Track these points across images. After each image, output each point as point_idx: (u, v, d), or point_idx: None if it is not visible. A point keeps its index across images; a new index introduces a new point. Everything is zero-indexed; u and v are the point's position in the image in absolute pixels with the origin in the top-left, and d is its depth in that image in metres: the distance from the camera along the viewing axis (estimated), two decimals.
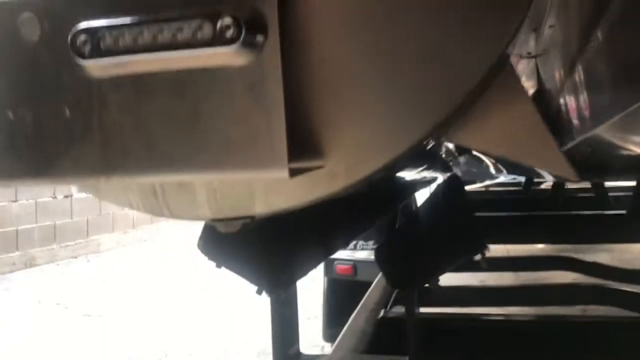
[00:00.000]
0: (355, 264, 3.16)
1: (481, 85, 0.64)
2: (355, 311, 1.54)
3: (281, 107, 0.63)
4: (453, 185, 1.51)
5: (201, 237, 0.98)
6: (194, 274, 7.27)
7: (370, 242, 3.28)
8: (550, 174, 0.76)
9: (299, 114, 0.67)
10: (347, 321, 1.97)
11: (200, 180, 0.77)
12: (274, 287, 0.98)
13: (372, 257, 3.28)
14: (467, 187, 4.78)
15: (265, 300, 1.02)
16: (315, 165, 0.69)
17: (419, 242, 0.94)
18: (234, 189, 0.78)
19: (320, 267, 3.43)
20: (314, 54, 0.66)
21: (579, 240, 4.56)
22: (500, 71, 0.71)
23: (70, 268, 8.14)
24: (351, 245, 3.28)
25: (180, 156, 0.66)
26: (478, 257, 0.99)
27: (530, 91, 2.68)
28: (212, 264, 1.02)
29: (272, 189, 0.78)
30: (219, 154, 0.65)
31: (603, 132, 1.32)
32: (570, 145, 1.84)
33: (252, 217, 0.80)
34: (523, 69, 3.05)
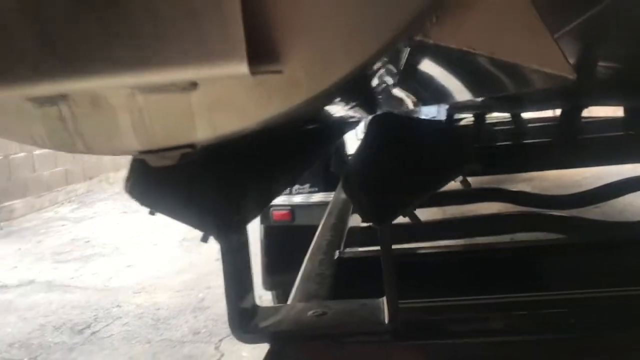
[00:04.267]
0: (293, 209, 3.04)
1: None
2: (307, 256, 1.41)
3: None
4: (390, 120, 1.39)
5: (129, 177, 0.79)
6: (124, 229, 6.99)
7: (306, 186, 3.17)
8: (545, 71, 0.65)
9: (251, 4, 0.50)
10: (287, 268, 1.85)
11: (121, 98, 0.58)
12: (224, 231, 0.82)
13: (310, 200, 3.24)
14: None
15: None
16: (273, 69, 0.53)
17: (394, 168, 0.80)
18: (168, 108, 0.59)
19: None
20: None
21: (504, 170, 4.67)
22: None
23: None
24: (286, 190, 3.15)
25: (92, 50, 0.48)
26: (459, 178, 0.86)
27: None
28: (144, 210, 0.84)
29: (218, 105, 0.59)
30: (146, 44, 0.47)
31: None
32: None
33: (192, 146, 0.61)
34: None
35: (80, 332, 4.08)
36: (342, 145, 4.31)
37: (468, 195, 4.11)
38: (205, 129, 0.58)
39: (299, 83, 0.55)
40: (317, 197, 3.15)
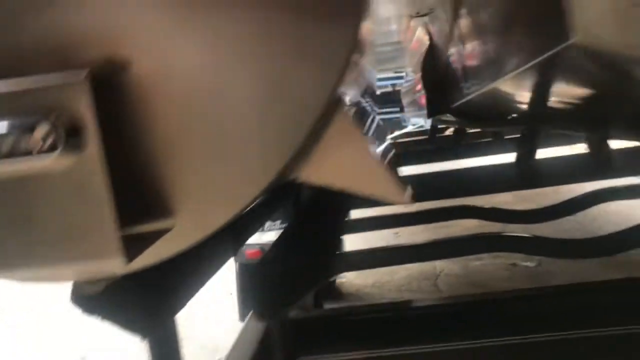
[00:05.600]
0: (263, 248, 3.17)
1: (318, 127, 0.70)
2: (247, 318, 1.57)
3: (110, 204, 0.66)
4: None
5: (72, 292, 1.00)
6: None
7: (278, 222, 3.26)
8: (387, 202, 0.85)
9: (138, 186, 0.71)
10: None
11: None
12: (146, 331, 1.00)
13: None
14: None
15: None
16: (164, 227, 0.73)
17: (280, 269, 1.00)
18: None
19: None
20: (140, 133, 0.68)
21: (483, 191, 4.65)
22: (334, 113, 0.76)
23: None
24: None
25: (19, 256, 0.70)
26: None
27: (424, 48, 2.74)
28: None
29: None
30: (54, 251, 0.69)
31: (494, 86, 1.39)
32: (462, 100, 1.92)
33: (113, 277, 0.84)
34: (415, 26, 3.11)
35: None
36: None
37: (438, 214, 4.18)
38: (120, 267, 0.81)
39: (185, 233, 0.75)
40: None
